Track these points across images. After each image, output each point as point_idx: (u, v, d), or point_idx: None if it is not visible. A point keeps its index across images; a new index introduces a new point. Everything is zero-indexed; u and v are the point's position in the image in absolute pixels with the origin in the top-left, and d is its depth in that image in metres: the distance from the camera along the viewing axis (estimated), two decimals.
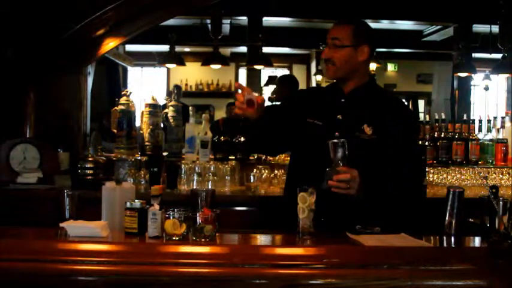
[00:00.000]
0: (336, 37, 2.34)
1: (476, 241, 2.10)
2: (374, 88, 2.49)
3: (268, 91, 9.05)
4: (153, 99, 3.87)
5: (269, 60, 6.11)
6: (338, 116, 2.35)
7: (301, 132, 2.40)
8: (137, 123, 3.90)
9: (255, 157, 3.81)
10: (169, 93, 8.71)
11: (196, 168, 3.47)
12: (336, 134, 2.29)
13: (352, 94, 2.38)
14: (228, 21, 7.72)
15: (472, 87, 9.12)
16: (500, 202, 2.07)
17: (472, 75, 7.84)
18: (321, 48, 2.38)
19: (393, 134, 2.29)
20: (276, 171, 3.57)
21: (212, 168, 3.50)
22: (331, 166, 2.12)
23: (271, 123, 2.38)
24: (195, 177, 3.45)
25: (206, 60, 5.97)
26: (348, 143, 2.13)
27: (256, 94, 2.31)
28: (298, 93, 2.79)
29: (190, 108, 3.78)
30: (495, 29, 6.25)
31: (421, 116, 8.12)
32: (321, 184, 2.11)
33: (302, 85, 9.81)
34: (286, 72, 10.79)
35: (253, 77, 8.14)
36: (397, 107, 2.45)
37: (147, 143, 3.74)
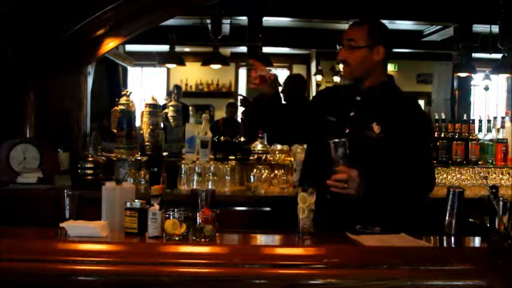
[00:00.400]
0: (351, 38, 2.35)
1: (476, 241, 2.10)
2: (390, 88, 2.46)
3: None
4: (153, 99, 3.86)
5: (269, 60, 6.11)
6: (351, 113, 2.37)
7: (318, 128, 2.43)
8: (137, 123, 3.90)
9: (255, 157, 3.81)
10: (169, 93, 8.71)
11: (196, 168, 3.47)
12: (347, 130, 2.31)
13: (367, 92, 2.40)
14: (228, 21, 7.71)
15: (472, 87, 9.11)
16: (500, 202, 2.07)
17: (472, 75, 7.85)
18: (338, 49, 2.40)
19: (402, 134, 2.27)
20: (276, 171, 3.57)
21: (212, 168, 3.50)
22: (332, 165, 2.13)
23: (288, 107, 2.50)
24: (195, 177, 3.45)
25: (206, 60, 5.98)
26: (355, 141, 2.16)
27: (268, 68, 2.39)
28: (322, 91, 2.85)
29: (190, 108, 3.78)
30: (495, 29, 6.24)
31: None
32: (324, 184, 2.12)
33: None
34: (286, 72, 10.80)
35: None
36: (410, 108, 2.42)
37: (147, 143, 3.74)
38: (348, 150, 2.11)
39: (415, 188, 2.28)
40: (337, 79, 9.83)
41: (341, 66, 2.48)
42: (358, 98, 2.40)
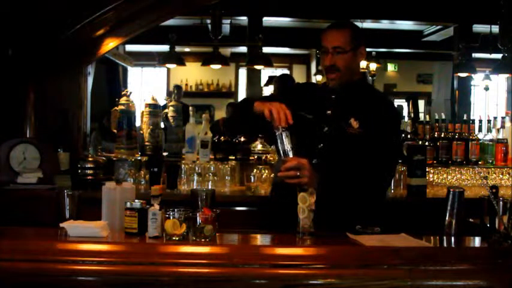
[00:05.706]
0: (338, 45, 2.35)
1: (476, 241, 2.10)
2: (364, 85, 2.57)
3: (268, 91, 9.07)
4: (153, 99, 3.87)
5: (269, 60, 6.09)
6: (328, 112, 2.39)
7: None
8: (137, 123, 3.90)
9: (255, 157, 3.81)
10: (169, 93, 8.72)
11: (196, 168, 3.48)
12: (326, 128, 2.35)
13: (343, 90, 2.41)
14: (228, 21, 7.71)
15: (472, 87, 9.12)
16: (500, 202, 2.07)
17: (472, 75, 7.85)
18: (318, 55, 2.41)
19: (376, 129, 2.32)
20: None
21: (212, 168, 3.50)
22: (279, 158, 2.15)
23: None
24: (195, 177, 3.46)
25: (206, 60, 5.96)
26: (335, 138, 2.27)
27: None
28: (292, 87, 2.82)
29: (190, 108, 3.78)
30: (495, 29, 6.24)
31: (421, 116, 8.13)
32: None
33: None
34: (286, 72, 10.80)
35: (253, 77, 8.14)
36: (384, 104, 2.48)
37: (147, 143, 3.74)
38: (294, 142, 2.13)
39: (372, 182, 2.30)
40: None
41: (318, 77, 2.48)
42: (333, 97, 2.42)
